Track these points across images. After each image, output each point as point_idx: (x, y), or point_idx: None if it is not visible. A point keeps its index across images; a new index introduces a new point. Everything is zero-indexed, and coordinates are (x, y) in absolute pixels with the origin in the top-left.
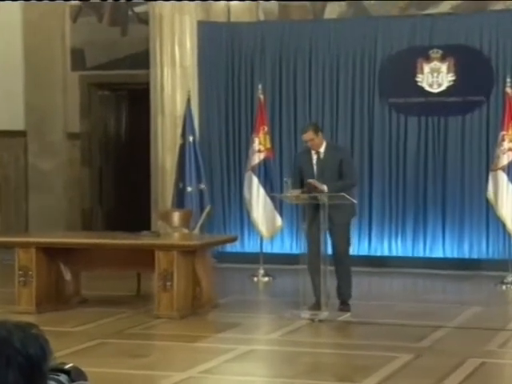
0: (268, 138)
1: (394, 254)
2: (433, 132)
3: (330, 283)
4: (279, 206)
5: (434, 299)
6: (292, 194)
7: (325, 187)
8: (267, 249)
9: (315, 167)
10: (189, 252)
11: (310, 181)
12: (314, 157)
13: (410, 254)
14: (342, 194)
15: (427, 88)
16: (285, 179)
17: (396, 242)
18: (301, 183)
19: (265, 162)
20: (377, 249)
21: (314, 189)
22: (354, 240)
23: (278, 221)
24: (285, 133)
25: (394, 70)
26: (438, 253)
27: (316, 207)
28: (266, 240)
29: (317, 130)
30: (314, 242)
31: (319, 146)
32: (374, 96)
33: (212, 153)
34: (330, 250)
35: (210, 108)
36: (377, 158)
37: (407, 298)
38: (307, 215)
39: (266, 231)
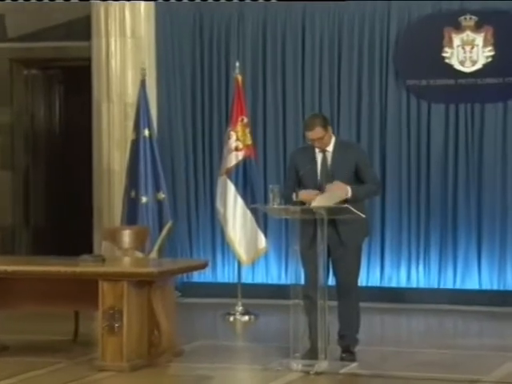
0: (248, 131)
1: (413, 285)
2: (465, 124)
3: (330, 323)
4: (263, 221)
5: (467, 345)
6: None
7: (348, 189)
8: (247, 278)
9: (319, 170)
10: (144, 283)
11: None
12: (319, 157)
13: (435, 286)
14: (346, 205)
15: (457, 66)
16: (270, 186)
17: (416, 269)
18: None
19: (244, 163)
20: (391, 278)
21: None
22: (362, 267)
23: (262, 241)
24: (270, 125)
25: (413, 43)
26: (473, 284)
27: (313, 223)
28: (245, 267)
29: (325, 124)
30: (310, 270)
31: (327, 144)
32: (387, 78)
33: (174, 152)
34: (331, 280)
35: (171, 92)
36: (391, 159)
37: (431, 343)
38: (301, 234)
39: (245, 255)
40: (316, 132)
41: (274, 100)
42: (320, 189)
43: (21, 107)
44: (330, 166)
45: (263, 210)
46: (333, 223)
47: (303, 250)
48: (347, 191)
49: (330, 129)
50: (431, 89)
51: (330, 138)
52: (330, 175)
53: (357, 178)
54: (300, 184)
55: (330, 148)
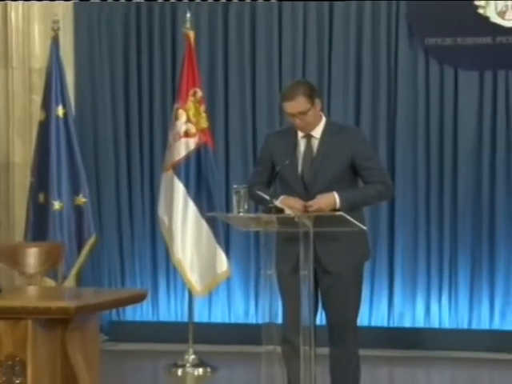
0: (203, 110)
1: (434, 325)
2: (506, 98)
3: (319, 378)
4: (225, 235)
5: None
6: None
7: (336, 197)
8: (202, 316)
9: (301, 165)
10: (56, 322)
11: (312, 203)
12: (302, 143)
13: (465, 326)
14: (340, 213)
15: (495, 19)
16: (235, 186)
17: (438, 303)
18: (269, 186)
19: (198, 154)
20: (404, 316)
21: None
22: (363, 301)
23: (223, 264)
24: (234, 100)
25: None
26: None
27: (294, 238)
28: (199, 299)
29: (312, 94)
30: (290, 303)
31: (313, 125)
32: (397, 36)
33: (100, 138)
34: (320, 319)
35: (95, 54)
36: (403, 149)
37: None
38: (279, 253)
39: (199, 283)
40: (297, 103)
41: (240, 66)
42: (304, 191)
43: None
44: (315, 158)
45: (224, 219)
46: (320, 239)
47: (282, 276)
48: (333, 202)
49: (318, 104)
50: (459, 50)
51: (319, 119)
52: (316, 170)
53: (354, 177)
54: (275, 180)
55: (318, 133)
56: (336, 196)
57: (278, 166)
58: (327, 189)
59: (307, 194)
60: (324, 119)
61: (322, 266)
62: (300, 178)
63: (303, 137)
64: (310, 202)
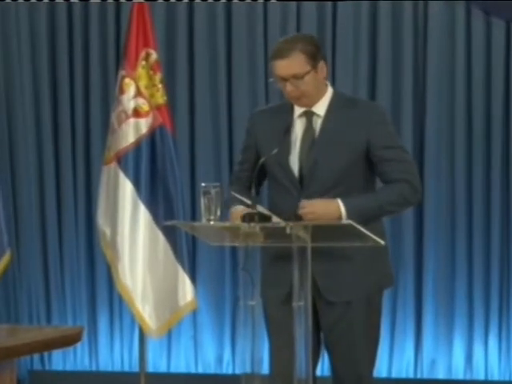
0: (159, 79)
1: (479, 377)
2: None
3: None
4: (189, 253)
5: None
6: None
7: (340, 207)
8: (158, 364)
9: (297, 152)
10: None
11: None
12: (298, 124)
13: None
14: (349, 221)
15: None
16: (203, 185)
17: (484, 348)
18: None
19: (152, 140)
20: (437, 366)
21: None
22: (381, 344)
23: (187, 292)
24: (201, 66)
25: None
26: None
27: (286, 257)
28: (154, 340)
29: (315, 53)
30: (281, 346)
31: (312, 97)
32: None
33: (16, 120)
34: (323, 369)
35: (10, 7)
36: (434, 132)
37: None
38: (264, 277)
39: (154, 318)
40: (292, 62)
41: (210, 16)
42: (300, 190)
43: None
44: (316, 142)
45: (189, 230)
46: (323, 258)
47: (269, 308)
48: (335, 211)
49: (322, 68)
50: None
51: (323, 90)
52: (316, 160)
53: (370, 171)
54: (263, 174)
55: (322, 109)
56: (340, 205)
57: (266, 147)
58: (331, 187)
59: (303, 194)
60: (330, 90)
61: (321, 294)
62: (297, 172)
63: (301, 115)
64: (302, 203)
